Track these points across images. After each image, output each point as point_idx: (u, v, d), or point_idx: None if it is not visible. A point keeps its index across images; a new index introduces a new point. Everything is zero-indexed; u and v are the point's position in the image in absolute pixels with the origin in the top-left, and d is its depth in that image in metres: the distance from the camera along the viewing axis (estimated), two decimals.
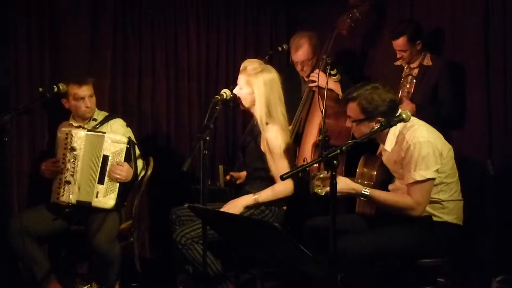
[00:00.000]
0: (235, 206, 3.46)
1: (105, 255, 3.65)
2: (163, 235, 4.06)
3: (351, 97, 3.13)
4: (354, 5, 4.16)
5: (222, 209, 3.44)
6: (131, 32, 4.59)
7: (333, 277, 2.61)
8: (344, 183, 3.03)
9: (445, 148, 3.09)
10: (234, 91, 3.53)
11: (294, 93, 4.27)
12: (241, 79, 3.50)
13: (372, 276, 3.02)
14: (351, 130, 3.23)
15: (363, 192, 3.03)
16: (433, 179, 3.03)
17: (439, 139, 3.10)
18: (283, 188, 3.45)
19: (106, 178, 3.71)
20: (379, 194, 3.09)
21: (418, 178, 3.00)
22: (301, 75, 4.35)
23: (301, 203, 3.96)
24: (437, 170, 3.03)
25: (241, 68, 3.52)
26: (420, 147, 3.01)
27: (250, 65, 3.49)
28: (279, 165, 3.43)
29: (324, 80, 3.93)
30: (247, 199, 3.48)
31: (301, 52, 4.23)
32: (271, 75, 3.47)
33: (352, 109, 3.13)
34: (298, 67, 4.29)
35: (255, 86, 3.44)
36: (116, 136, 3.77)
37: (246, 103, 3.52)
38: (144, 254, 4.55)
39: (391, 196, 3.15)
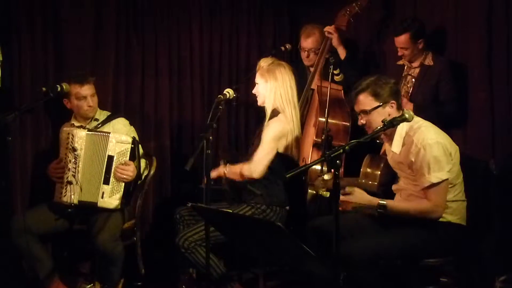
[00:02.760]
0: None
1: (108, 255, 3.65)
2: (166, 235, 4.07)
3: (359, 90, 3.14)
4: (353, 0, 4.16)
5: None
6: (134, 31, 4.59)
7: (336, 277, 2.62)
8: (360, 196, 3.03)
9: (453, 148, 3.10)
10: (253, 91, 3.58)
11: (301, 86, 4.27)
12: (257, 76, 3.56)
13: (375, 276, 3.02)
14: (365, 127, 3.18)
15: (380, 203, 3.03)
16: (447, 179, 3.02)
17: (447, 139, 3.11)
18: (245, 168, 3.49)
19: (112, 179, 3.71)
20: (396, 204, 3.09)
21: (434, 180, 3.00)
22: (305, 63, 4.37)
23: (303, 203, 3.97)
24: (449, 170, 3.03)
25: (257, 67, 3.58)
26: (430, 149, 3.00)
27: (265, 61, 3.57)
28: (262, 148, 3.46)
29: (337, 35, 4.10)
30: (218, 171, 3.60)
31: (310, 40, 4.29)
32: (284, 69, 3.52)
33: (364, 99, 3.12)
34: (305, 54, 4.33)
35: (269, 80, 3.49)
36: (121, 136, 3.77)
37: (261, 99, 3.55)
38: (147, 253, 4.55)
39: (408, 203, 3.14)
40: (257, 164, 3.46)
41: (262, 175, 3.48)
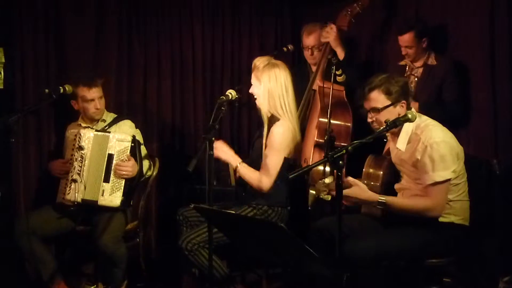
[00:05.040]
0: (224, 152, 3.48)
1: (111, 256, 3.66)
2: (169, 236, 4.07)
3: (372, 86, 3.10)
4: (355, 0, 4.16)
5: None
6: (136, 32, 4.59)
7: (339, 277, 2.61)
8: (359, 190, 3.00)
9: (459, 148, 3.09)
10: (250, 91, 3.53)
11: (303, 88, 4.26)
12: (252, 76, 3.49)
13: (378, 276, 3.01)
14: (374, 124, 3.15)
15: (379, 200, 3.01)
16: (450, 179, 3.01)
17: (454, 139, 3.10)
18: (257, 178, 3.41)
19: (112, 176, 3.72)
20: (396, 200, 3.07)
21: (438, 179, 2.99)
22: (310, 62, 4.35)
23: (305, 203, 3.97)
24: (454, 170, 3.02)
25: (252, 66, 3.51)
26: (437, 148, 2.99)
27: (259, 61, 3.48)
28: (271, 159, 3.39)
29: (334, 36, 4.05)
30: (232, 159, 3.49)
31: (312, 37, 4.27)
32: (278, 70, 3.43)
33: (376, 97, 3.09)
34: (308, 52, 4.30)
35: (262, 81, 3.43)
36: (121, 135, 3.78)
37: (258, 100, 3.49)
38: (150, 254, 4.56)
39: (408, 201, 3.13)
40: (266, 178, 3.40)
41: (270, 188, 3.42)
